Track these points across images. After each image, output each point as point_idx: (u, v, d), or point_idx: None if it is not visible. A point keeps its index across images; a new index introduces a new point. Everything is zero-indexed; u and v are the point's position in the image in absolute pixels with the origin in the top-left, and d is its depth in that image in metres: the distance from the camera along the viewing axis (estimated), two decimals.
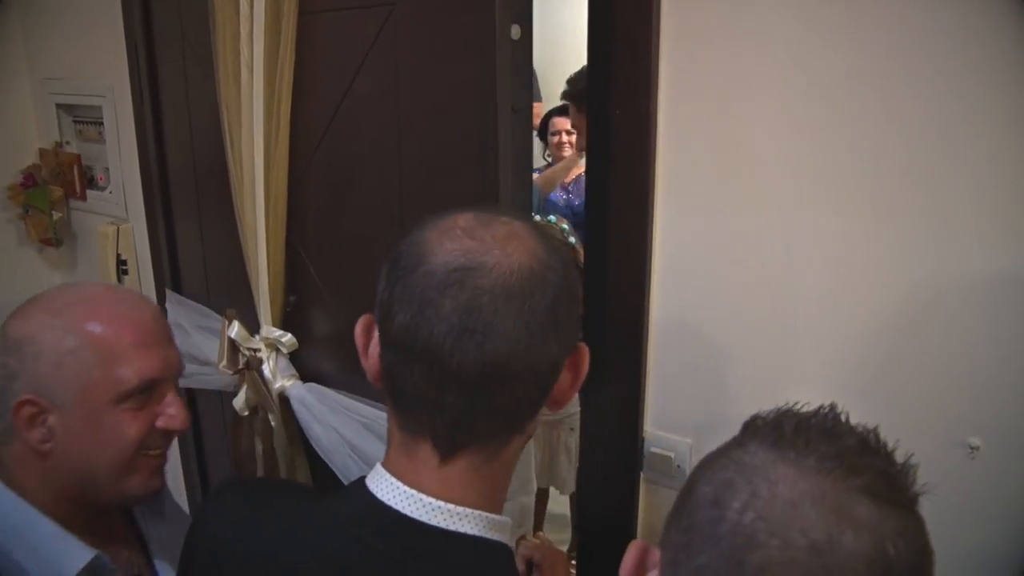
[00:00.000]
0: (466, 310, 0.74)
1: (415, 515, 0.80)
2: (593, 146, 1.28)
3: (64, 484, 1.07)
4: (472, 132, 1.40)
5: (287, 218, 1.75)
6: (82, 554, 1.05)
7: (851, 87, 1.10)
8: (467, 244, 0.76)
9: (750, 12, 1.16)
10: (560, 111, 3.94)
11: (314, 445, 1.76)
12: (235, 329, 1.86)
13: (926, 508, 0.83)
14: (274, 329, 1.82)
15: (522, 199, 1.40)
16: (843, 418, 0.70)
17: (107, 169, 2.33)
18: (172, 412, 1.12)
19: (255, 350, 1.86)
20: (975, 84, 1.01)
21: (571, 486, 3.11)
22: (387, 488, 0.82)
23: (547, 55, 4.78)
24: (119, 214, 2.29)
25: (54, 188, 2.36)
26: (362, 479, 0.86)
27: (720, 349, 1.27)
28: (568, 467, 3.09)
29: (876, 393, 1.17)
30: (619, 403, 1.32)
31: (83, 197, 2.37)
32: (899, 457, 0.68)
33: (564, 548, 3.38)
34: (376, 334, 0.82)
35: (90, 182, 2.38)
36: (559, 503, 3.43)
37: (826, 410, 0.70)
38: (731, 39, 1.18)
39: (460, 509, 0.80)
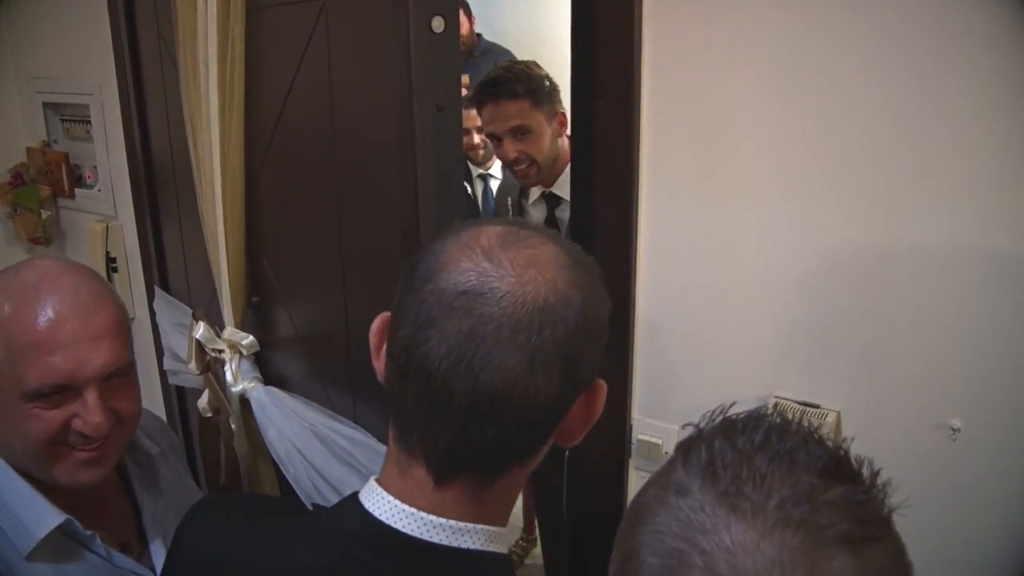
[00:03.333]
0: (466, 337, 0.70)
1: (412, 532, 0.77)
2: (577, 137, 1.29)
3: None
4: (393, 131, 1.33)
5: (247, 218, 1.71)
6: (52, 517, 1.06)
7: (830, 78, 1.12)
8: (483, 266, 0.72)
9: (732, 4, 1.17)
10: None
11: (270, 450, 1.72)
12: (200, 329, 1.83)
13: (906, 490, 0.84)
14: (237, 331, 1.77)
15: (449, 203, 1.33)
16: (792, 426, 0.60)
17: (95, 167, 2.33)
18: (86, 417, 1.05)
19: (219, 351, 1.82)
20: (957, 72, 1.03)
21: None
22: (382, 505, 0.79)
23: (533, 49, 4.79)
24: (108, 212, 2.29)
25: (42, 187, 2.36)
26: (355, 494, 0.83)
27: (705, 335, 1.28)
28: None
29: (859, 377, 1.19)
30: (607, 391, 1.34)
31: (71, 195, 2.37)
32: (866, 470, 0.58)
33: None
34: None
35: (78, 180, 2.38)
36: None
37: (770, 419, 0.60)
38: (711, 30, 1.19)
39: (459, 524, 0.77)
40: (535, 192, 2.42)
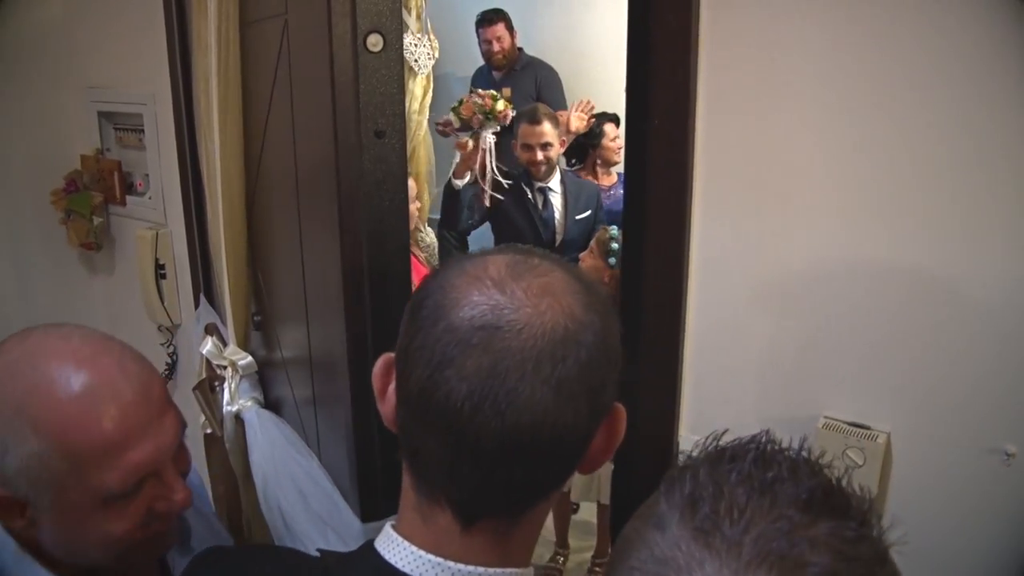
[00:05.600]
0: (489, 374, 0.66)
1: None
2: (630, 156, 1.30)
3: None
4: (330, 158, 1.25)
5: (249, 234, 1.69)
6: None
7: (884, 98, 1.12)
8: (496, 298, 0.69)
9: (785, 28, 1.18)
10: (612, 118, 4.01)
11: (253, 474, 1.68)
12: (208, 345, 1.82)
13: (957, 515, 0.83)
14: (238, 349, 1.75)
15: (393, 240, 1.25)
16: (781, 454, 0.57)
17: (146, 175, 2.38)
18: (171, 497, 0.97)
19: (222, 367, 1.79)
20: (1011, 91, 1.03)
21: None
22: (404, 555, 0.75)
23: (573, 65, 4.82)
24: (158, 220, 2.34)
25: (95, 194, 2.41)
26: (370, 544, 0.79)
27: (755, 354, 1.28)
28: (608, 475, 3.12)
29: (911, 399, 1.18)
30: (655, 408, 1.34)
31: (122, 203, 2.42)
32: (860, 501, 0.55)
33: (589, 555, 3.39)
34: (394, 379, 0.76)
35: (129, 188, 2.44)
36: (587, 510, 3.44)
37: (757, 447, 0.57)
38: (767, 53, 1.20)
39: (488, 571, 0.74)
40: None
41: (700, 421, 1.34)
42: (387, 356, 0.77)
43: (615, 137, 3.95)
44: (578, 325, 0.69)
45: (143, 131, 2.31)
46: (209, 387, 1.87)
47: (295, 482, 1.57)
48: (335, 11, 1.18)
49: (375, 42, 1.21)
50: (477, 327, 0.67)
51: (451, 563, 0.73)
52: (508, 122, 3.45)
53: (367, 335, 1.33)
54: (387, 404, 0.76)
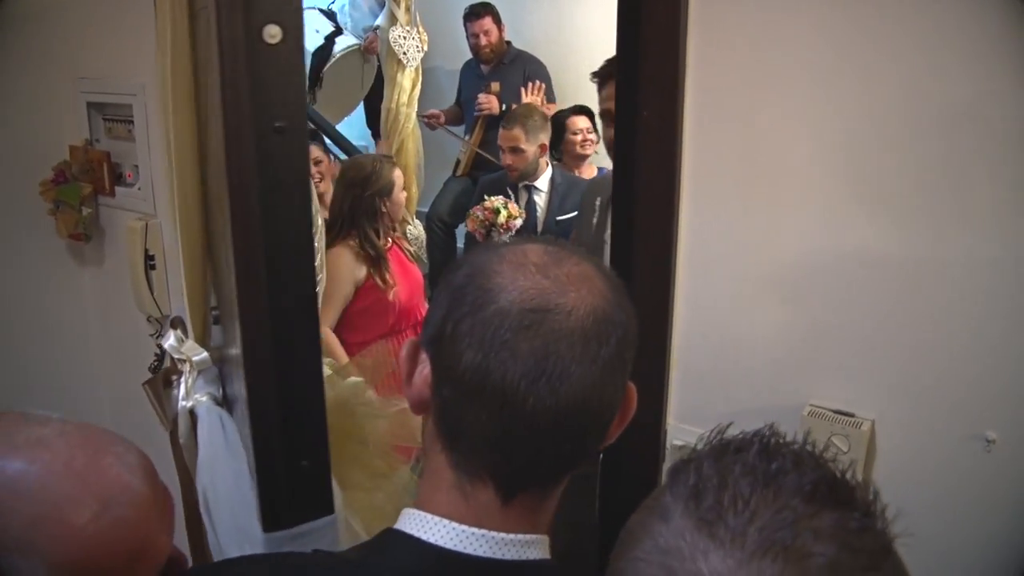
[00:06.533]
0: (543, 354, 0.71)
1: (484, 554, 0.76)
2: (620, 147, 1.31)
3: None
4: (233, 155, 1.21)
5: (205, 224, 1.67)
6: None
7: (869, 91, 1.14)
8: (542, 283, 0.74)
9: (774, 21, 1.20)
10: (577, 111, 4.01)
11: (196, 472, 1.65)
12: (170, 339, 1.81)
13: (939, 501, 0.84)
14: (194, 344, 1.75)
15: (298, 237, 1.24)
16: (785, 446, 0.57)
17: (136, 166, 2.37)
18: (175, 569, 0.95)
19: (182, 361, 1.77)
20: (990, 85, 1.05)
21: None
22: (445, 533, 0.77)
23: (561, 58, 4.82)
24: (147, 210, 2.33)
25: (84, 185, 2.40)
26: (390, 531, 0.80)
27: (741, 342, 1.30)
28: None
29: (895, 387, 1.20)
30: (644, 397, 1.35)
31: (112, 194, 2.41)
32: (864, 492, 0.56)
33: None
34: (423, 363, 0.79)
35: (118, 179, 2.42)
36: None
37: (761, 438, 0.58)
38: (755, 45, 1.22)
39: (525, 537, 0.78)
40: None
41: (688, 409, 1.36)
42: (411, 341, 0.81)
43: (580, 130, 3.95)
44: (613, 308, 0.76)
45: (133, 122, 2.30)
46: (166, 382, 1.86)
47: (223, 483, 1.57)
48: (225, 1, 1.14)
49: (274, 33, 1.17)
50: (528, 309, 0.72)
51: (494, 533, 0.77)
52: (514, 232, 3.50)
53: (264, 337, 1.31)
54: (414, 388, 0.80)
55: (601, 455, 1.44)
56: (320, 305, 2.37)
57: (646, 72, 1.26)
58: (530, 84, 4.49)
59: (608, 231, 2.37)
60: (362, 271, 2.98)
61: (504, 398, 0.72)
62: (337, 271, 2.91)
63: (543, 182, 3.65)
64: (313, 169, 3.70)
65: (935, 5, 1.07)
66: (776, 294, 1.26)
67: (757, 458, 0.55)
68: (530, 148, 3.56)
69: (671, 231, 1.28)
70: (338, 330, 2.96)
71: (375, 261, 2.99)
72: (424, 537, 0.77)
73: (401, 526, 0.79)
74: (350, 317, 2.98)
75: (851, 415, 1.22)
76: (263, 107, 1.19)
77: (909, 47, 1.10)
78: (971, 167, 1.08)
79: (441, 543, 0.76)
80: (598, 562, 1.54)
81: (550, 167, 3.72)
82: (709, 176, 1.27)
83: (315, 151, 3.88)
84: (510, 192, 3.61)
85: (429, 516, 0.78)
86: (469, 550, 0.76)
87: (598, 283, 0.77)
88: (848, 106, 1.16)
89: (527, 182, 3.63)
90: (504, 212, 3.32)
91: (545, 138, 3.64)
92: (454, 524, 0.77)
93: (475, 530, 0.76)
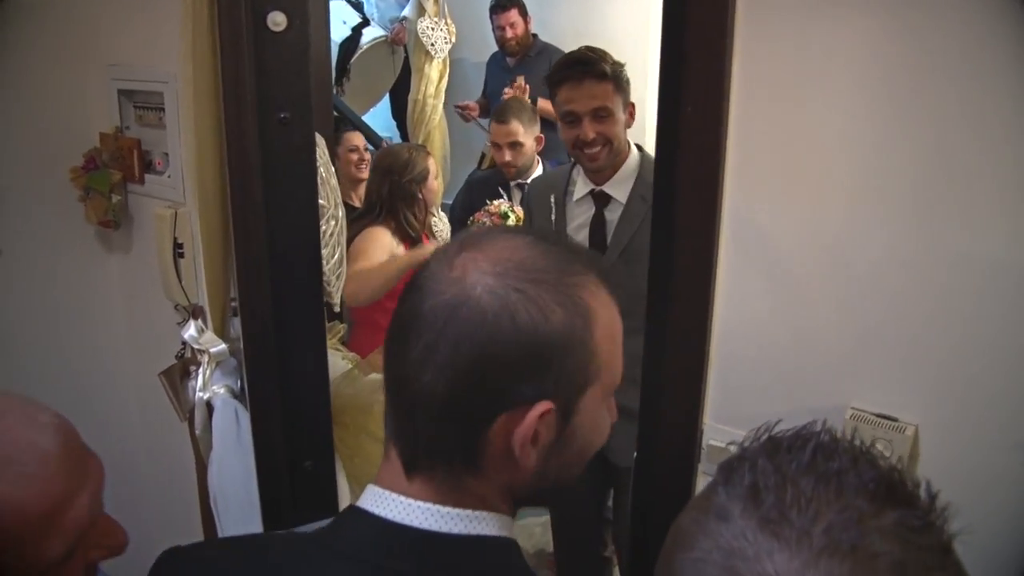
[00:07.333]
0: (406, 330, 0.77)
1: (431, 527, 0.77)
2: (662, 142, 1.29)
3: None
4: (233, 147, 1.15)
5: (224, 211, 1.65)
6: None
7: (921, 89, 1.11)
8: (433, 269, 0.78)
9: (821, 15, 1.17)
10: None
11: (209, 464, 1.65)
12: (190, 329, 1.81)
13: (983, 510, 0.82)
14: (213, 336, 1.75)
15: (304, 230, 1.20)
16: (840, 444, 0.56)
17: (166, 154, 2.36)
18: (112, 541, 0.93)
19: (201, 352, 1.78)
20: None
21: None
22: (395, 506, 0.79)
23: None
24: (176, 198, 2.33)
25: (113, 172, 2.40)
26: (352, 507, 0.83)
27: (781, 342, 1.28)
28: None
29: (941, 392, 1.17)
30: (680, 395, 1.34)
31: (141, 181, 2.41)
32: (922, 491, 0.55)
33: None
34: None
35: (148, 166, 2.43)
36: None
37: (817, 437, 0.56)
38: (802, 40, 1.19)
39: (474, 513, 0.79)
40: (581, 188, 2.41)
41: (725, 410, 1.34)
42: None
43: (356, 147, 3.94)
44: (474, 302, 0.76)
45: (163, 109, 2.30)
46: (184, 372, 1.85)
47: (231, 478, 1.59)
48: None
49: (278, 21, 1.13)
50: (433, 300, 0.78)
51: (438, 506, 0.78)
52: None
53: (266, 333, 1.28)
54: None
55: (635, 453, 1.42)
56: (354, 283, 2.36)
57: (691, 67, 1.22)
58: (515, 81, 4.43)
59: (569, 224, 2.36)
60: (400, 250, 3.00)
61: (389, 376, 0.80)
62: (377, 243, 2.97)
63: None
64: (355, 156, 3.79)
65: (979, 13, 1.04)
66: (818, 294, 1.24)
67: (814, 456, 0.54)
68: (528, 141, 3.48)
69: (713, 229, 1.25)
70: (375, 314, 2.96)
71: (414, 243, 3.04)
72: (376, 511, 0.79)
73: (363, 501, 0.82)
74: (387, 301, 2.96)
75: (894, 419, 1.19)
76: (267, 97, 1.15)
77: (953, 46, 1.07)
78: (1021, 170, 1.05)
79: (391, 517, 0.78)
80: (629, 558, 1.53)
81: (541, 163, 3.63)
82: (753, 173, 1.25)
83: (357, 139, 3.92)
84: (502, 191, 3.52)
85: (382, 491, 0.81)
86: (416, 523, 0.78)
87: (482, 276, 0.75)
88: (900, 101, 1.13)
89: (520, 180, 3.54)
90: (512, 216, 3.25)
91: (537, 131, 3.56)
92: (402, 497, 0.79)
93: (420, 503, 0.78)
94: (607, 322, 0.78)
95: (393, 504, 0.79)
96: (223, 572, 0.84)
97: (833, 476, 0.53)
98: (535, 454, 0.77)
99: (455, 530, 0.77)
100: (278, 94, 1.14)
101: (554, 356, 0.74)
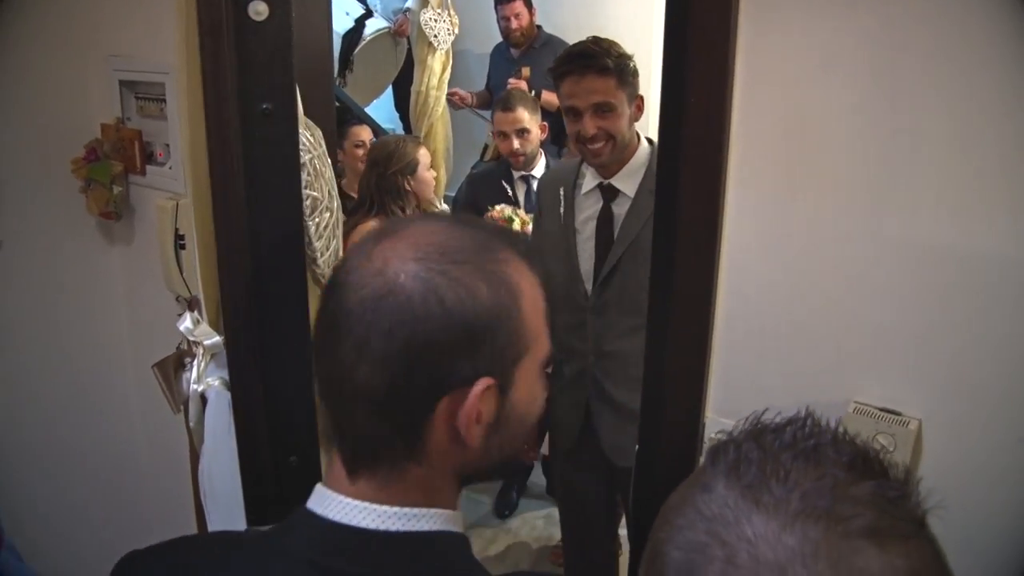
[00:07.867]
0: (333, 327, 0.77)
1: (371, 526, 0.78)
2: (665, 134, 1.28)
3: None
4: (213, 138, 1.14)
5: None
6: None
7: (927, 81, 1.10)
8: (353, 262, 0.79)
9: (824, 6, 1.16)
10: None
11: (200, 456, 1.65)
12: (186, 321, 1.81)
13: (987, 505, 0.82)
14: (207, 328, 1.75)
15: (287, 223, 1.18)
16: (821, 427, 0.59)
17: (167, 145, 2.35)
18: None
19: (196, 344, 1.77)
20: None
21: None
22: (338, 507, 0.80)
23: None
24: (178, 190, 2.32)
25: (115, 163, 2.39)
26: (304, 508, 0.84)
27: (784, 336, 1.27)
28: None
29: (944, 386, 1.16)
30: (682, 388, 1.33)
31: (143, 172, 2.40)
32: (897, 471, 0.58)
33: None
34: None
35: (149, 157, 2.42)
36: None
37: (799, 421, 0.59)
38: (805, 32, 1.18)
39: (414, 510, 0.79)
40: (589, 182, 2.39)
41: (728, 404, 1.33)
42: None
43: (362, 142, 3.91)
44: (397, 288, 0.76)
45: (164, 101, 2.28)
46: (179, 364, 1.85)
47: (220, 472, 1.59)
48: None
49: (260, 10, 1.11)
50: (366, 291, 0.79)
51: (377, 506, 0.79)
52: None
53: (248, 328, 1.27)
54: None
55: (636, 446, 1.41)
56: None
57: (695, 59, 1.22)
58: (520, 71, 4.41)
59: (577, 217, 2.34)
60: None
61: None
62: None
63: (540, 171, 3.47)
64: (361, 152, 3.77)
65: (983, 6, 1.03)
66: (821, 287, 1.23)
67: (795, 435, 0.57)
68: (534, 128, 3.44)
69: (716, 221, 1.24)
70: None
71: None
72: (320, 512, 0.80)
73: (310, 502, 0.83)
74: None
75: (898, 414, 1.19)
76: (249, 88, 1.13)
77: (956, 39, 1.06)
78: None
79: (335, 517, 0.79)
80: (632, 544, 1.52)
81: (543, 155, 3.60)
82: (756, 165, 1.24)
83: (364, 133, 3.91)
84: (506, 186, 3.47)
85: (328, 492, 0.82)
86: (356, 522, 0.78)
87: (404, 263, 0.74)
88: (905, 94, 1.12)
89: (525, 172, 3.49)
90: (516, 220, 3.21)
91: (539, 119, 3.53)
92: (344, 498, 0.80)
93: (361, 503, 0.79)
94: (532, 296, 0.79)
95: (335, 504, 0.80)
96: (170, 571, 0.86)
97: (812, 450, 0.56)
98: (479, 432, 0.79)
99: (396, 527, 0.78)
100: (260, 85, 1.12)
101: (486, 332, 0.75)
